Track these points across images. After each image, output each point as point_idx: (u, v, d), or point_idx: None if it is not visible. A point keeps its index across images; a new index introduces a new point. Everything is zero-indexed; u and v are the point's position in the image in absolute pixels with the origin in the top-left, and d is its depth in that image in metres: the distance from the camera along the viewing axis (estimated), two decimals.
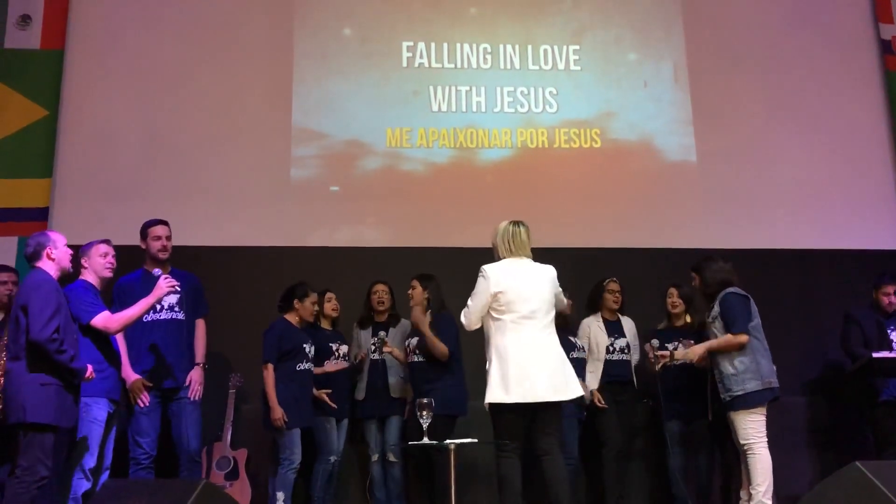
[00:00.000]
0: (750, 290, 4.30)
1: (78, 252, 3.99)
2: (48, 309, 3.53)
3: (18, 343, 3.57)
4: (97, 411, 3.92)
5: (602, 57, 6.22)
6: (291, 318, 4.66)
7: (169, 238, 4.47)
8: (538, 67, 6.15)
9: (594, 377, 4.90)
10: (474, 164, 5.97)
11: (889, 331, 5.04)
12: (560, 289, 3.90)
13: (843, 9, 6.53)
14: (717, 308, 4.23)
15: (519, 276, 3.75)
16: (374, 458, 4.86)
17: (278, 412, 4.40)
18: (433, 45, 6.11)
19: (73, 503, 3.85)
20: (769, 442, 4.06)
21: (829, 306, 5.58)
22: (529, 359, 3.64)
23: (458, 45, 6.13)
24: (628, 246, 5.73)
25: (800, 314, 5.72)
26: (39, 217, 5.45)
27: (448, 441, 3.71)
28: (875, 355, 4.70)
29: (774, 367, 4.20)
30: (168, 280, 4.03)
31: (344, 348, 4.95)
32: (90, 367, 3.70)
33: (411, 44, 6.11)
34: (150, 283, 4.14)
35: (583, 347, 4.92)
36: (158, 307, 4.27)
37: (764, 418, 4.07)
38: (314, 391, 4.65)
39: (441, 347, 4.50)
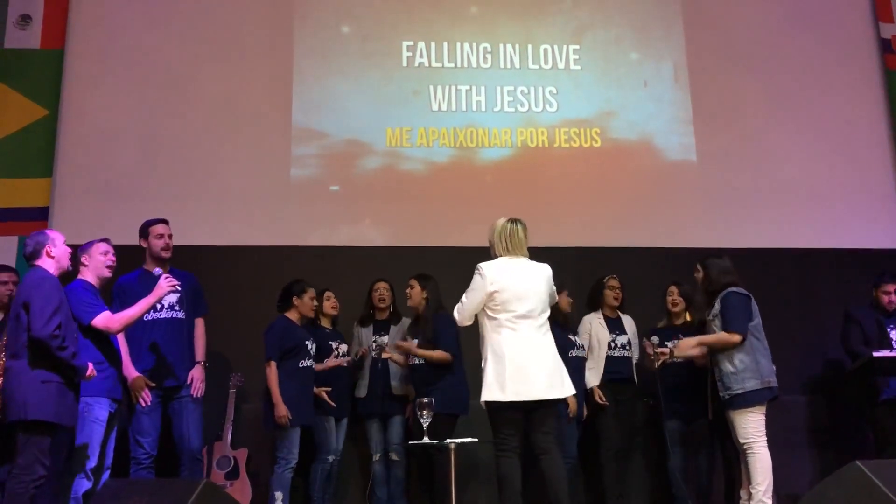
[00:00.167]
0: (750, 290, 4.29)
1: (77, 251, 3.98)
2: (50, 306, 3.53)
3: (19, 341, 3.56)
4: (98, 411, 3.92)
5: (602, 56, 6.22)
6: (291, 315, 4.66)
7: (171, 237, 4.46)
8: (538, 67, 6.15)
9: (595, 374, 4.88)
10: (474, 164, 5.97)
11: (889, 330, 5.04)
12: (554, 287, 3.86)
13: (843, 8, 6.53)
14: (717, 306, 4.22)
15: (515, 276, 3.72)
16: (376, 457, 4.86)
17: (283, 409, 4.39)
18: (433, 44, 6.11)
19: (73, 503, 3.85)
20: (769, 441, 4.05)
21: (829, 306, 5.57)
22: (527, 358, 3.62)
23: (459, 45, 6.13)
24: (628, 245, 5.73)
25: (800, 313, 5.72)
26: (39, 217, 5.44)
27: (448, 440, 3.71)
28: (875, 354, 4.67)
29: (774, 367, 4.19)
30: (169, 279, 4.02)
31: (343, 347, 4.95)
32: (91, 365, 3.69)
33: (411, 43, 6.11)
34: (149, 283, 4.14)
35: (582, 346, 4.91)
36: (158, 306, 4.26)
37: (763, 417, 4.06)
38: (314, 389, 4.65)
39: (440, 356, 4.51)
